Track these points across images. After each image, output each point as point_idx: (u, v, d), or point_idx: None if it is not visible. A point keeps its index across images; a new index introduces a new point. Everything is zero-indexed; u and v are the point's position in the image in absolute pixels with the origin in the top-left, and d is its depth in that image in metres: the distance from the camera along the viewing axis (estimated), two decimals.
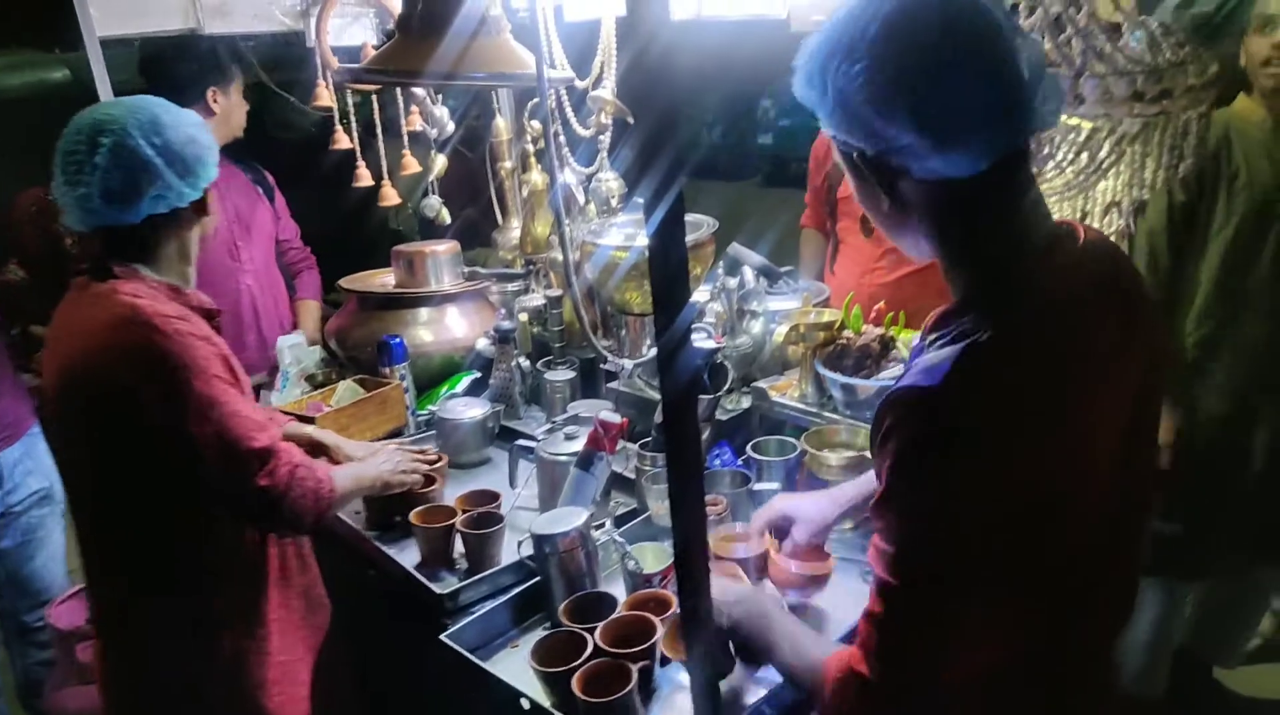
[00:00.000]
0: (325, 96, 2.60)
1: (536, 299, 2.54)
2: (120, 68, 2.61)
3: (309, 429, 1.98)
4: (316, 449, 1.94)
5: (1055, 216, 1.04)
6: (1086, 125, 1.73)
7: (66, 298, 1.56)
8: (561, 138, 2.25)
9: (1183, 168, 1.71)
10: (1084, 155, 1.73)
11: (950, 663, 0.97)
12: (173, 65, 2.63)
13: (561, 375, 2.29)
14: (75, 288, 1.54)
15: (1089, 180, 1.76)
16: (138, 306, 1.46)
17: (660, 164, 0.85)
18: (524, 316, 2.51)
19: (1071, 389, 0.94)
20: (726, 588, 1.27)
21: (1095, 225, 1.73)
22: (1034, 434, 0.92)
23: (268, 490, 1.47)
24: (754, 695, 1.36)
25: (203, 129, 1.58)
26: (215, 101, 2.68)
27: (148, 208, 1.50)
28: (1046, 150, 1.66)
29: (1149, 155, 1.71)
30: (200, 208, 1.59)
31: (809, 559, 1.55)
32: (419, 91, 2.57)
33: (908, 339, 2.03)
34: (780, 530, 1.56)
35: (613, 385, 2.21)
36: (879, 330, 2.00)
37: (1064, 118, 1.58)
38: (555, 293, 2.45)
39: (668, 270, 0.90)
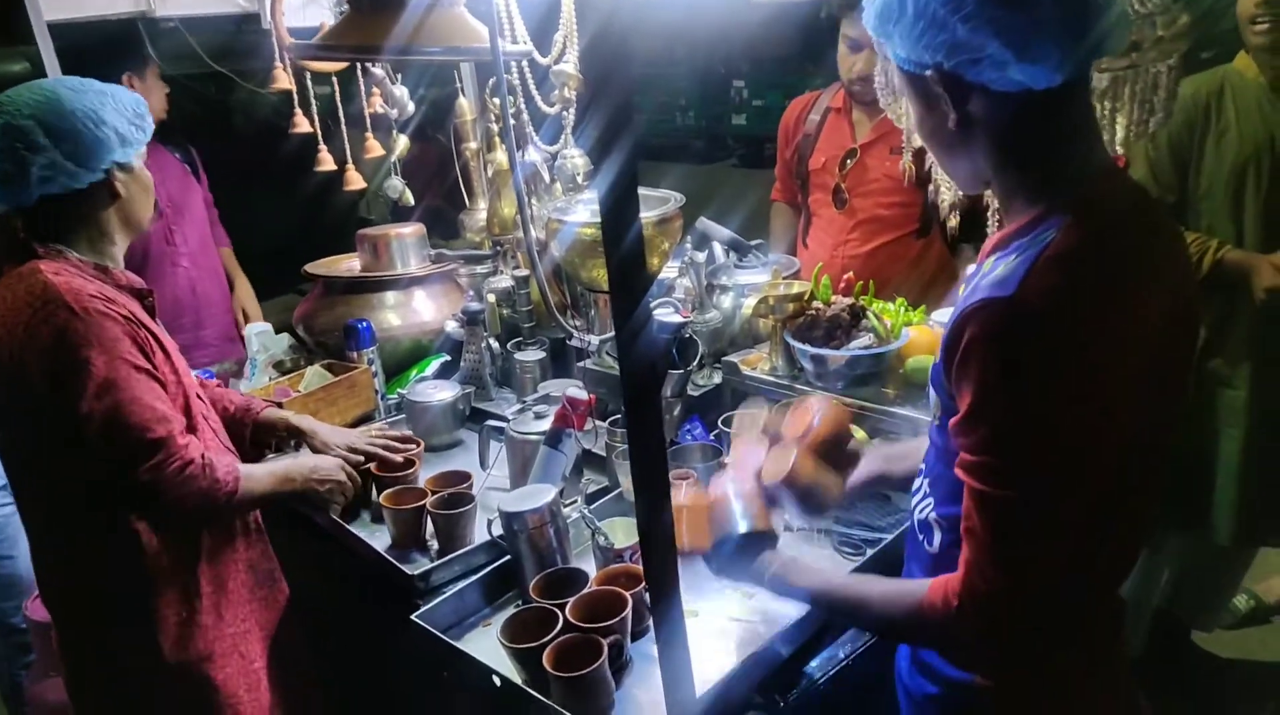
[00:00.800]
0: (283, 79, 2.56)
1: (505, 280, 2.51)
2: None
3: (286, 414, 1.95)
4: (292, 433, 1.91)
5: None
6: None
7: None
8: (525, 115, 2.22)
9: (1153, 122, 1.70)
10: None
11: (1058, 565, 0.99)
12: (87, 51, 2.57)
13: (532, 356, 2.27)
14: (5, 272, 1.51)
15: None
16: (51, 284, 1.43)
17: (612, 132, 0.85)
18: (492, 298, 2.48)
19: (1131, 301, 0.96)
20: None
21: None
22: (1103, 340, 0.94)
23: (148, 484, 1.44)
24: (721, 670, 1.34)
25: (121, 113, 1.51)
26: (131, 87, 2.67)
27: (38, 189, 1.46)
28: None
29: (1119, 112, 1.69)
30: (111, 190, 1.54)
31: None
32: (378, 71, 2.54)
33: (879, 309, 2.02)
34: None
35: (582, 363, 2.20)
36: (849, 300, 1.99)
37: None
38: (523, 273, 2.42)
39: (621, 236, 0.88)
